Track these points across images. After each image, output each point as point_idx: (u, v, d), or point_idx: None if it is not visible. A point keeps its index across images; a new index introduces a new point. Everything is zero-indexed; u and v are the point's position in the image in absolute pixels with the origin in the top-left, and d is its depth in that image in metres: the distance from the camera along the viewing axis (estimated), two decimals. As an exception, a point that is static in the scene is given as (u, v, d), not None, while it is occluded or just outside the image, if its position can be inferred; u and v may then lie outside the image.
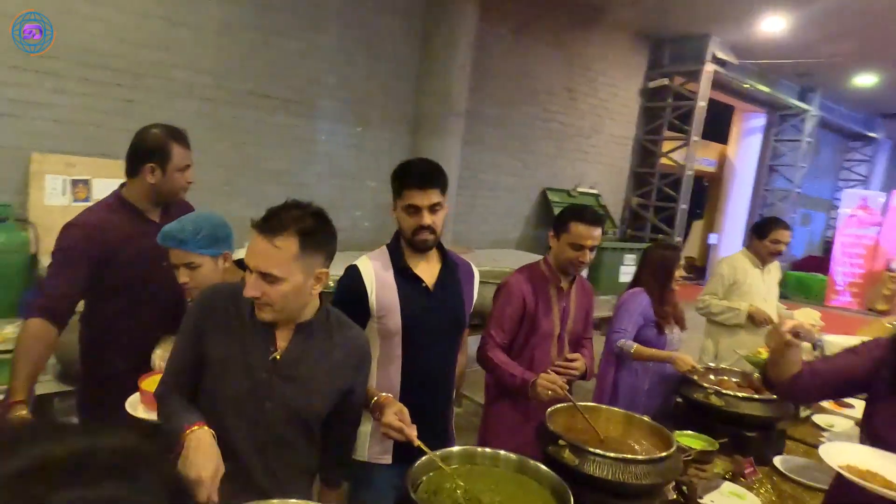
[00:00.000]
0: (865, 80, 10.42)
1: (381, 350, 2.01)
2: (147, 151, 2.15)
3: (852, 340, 2.41)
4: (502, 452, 1.71)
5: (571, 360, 2.46)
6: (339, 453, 1.81)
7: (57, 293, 2.00)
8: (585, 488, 1.69)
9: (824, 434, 2.82)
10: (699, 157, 12.32)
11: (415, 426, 1.65)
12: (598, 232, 2.43)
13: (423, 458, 1.58)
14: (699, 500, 2.03)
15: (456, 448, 1.69)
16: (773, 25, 7.81)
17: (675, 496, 2.02)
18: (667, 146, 9.49)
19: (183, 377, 1.59)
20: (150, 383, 1.81)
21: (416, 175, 1.93)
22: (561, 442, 1.78)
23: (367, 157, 6.03)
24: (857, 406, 3.01)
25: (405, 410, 1.68)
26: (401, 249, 2.03)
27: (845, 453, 1.58)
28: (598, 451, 1.71)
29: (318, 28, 5.47)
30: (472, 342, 2.87)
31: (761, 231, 3.84)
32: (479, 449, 1.73)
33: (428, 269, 2.05)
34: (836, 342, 3.01)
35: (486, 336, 2.50)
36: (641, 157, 9.55)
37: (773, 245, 3.78)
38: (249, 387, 1.54)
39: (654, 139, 9.45)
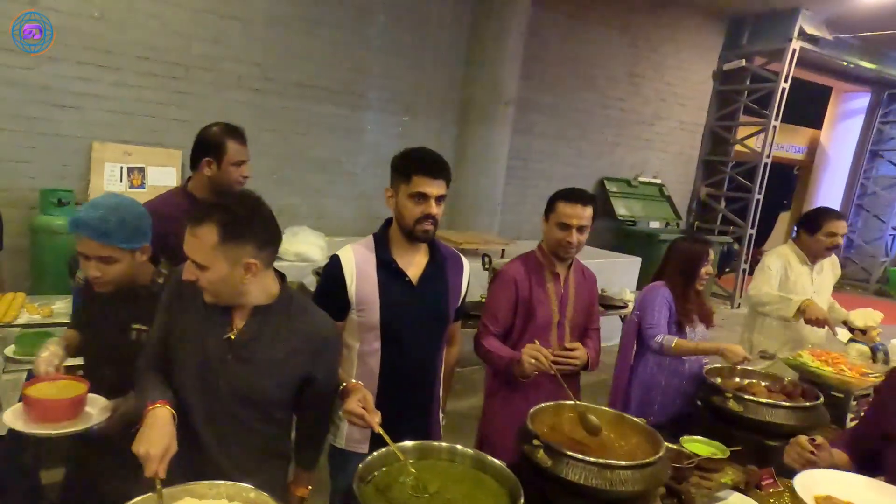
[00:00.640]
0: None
1: (361, 342, 2.00)
2: (205, 146, 2.39)
3: None
4: (459, 447, 1.67)
5: (571, 350, 2.38)
6: (308, 438, 1.84)
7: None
8: (560, 493, 1.63)
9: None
10: (785, 143, 11.55)
11: (378, 413, 1.64)
12: (585, 211, 2.33)
13: (383, 449, 1.57)
14: (699, 511, 1.90)
15: (411, 442, 1.65)
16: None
17: (673, 504, 1.91)
18: (742, 132, 8.95)
19: (159, 353, 1.66)
20: (36, 390, 1.68)
21: (429, 163, 1.91)
22: (535, 441, 1.71)
23: (414, 146, 6.02)
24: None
25: (369, 397, 1.67)
26: (387, 240, 1.99)
27: (825, 482, 1.44)
28: (573, 453, 1.61)
29: (365, 19, 5.52)
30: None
31: (813, 223, 3.42)
32: (436, 443, 1.70)
33: (414, 262, 2.01)
34: None
35: (480, 325, 2.46)
36: (713, 145, 9.06)
37: (829, 238, 3.38)
38: (203, 365, 1.58)
39: (728, 125, 8.94)
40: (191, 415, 1.58)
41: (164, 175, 4.69)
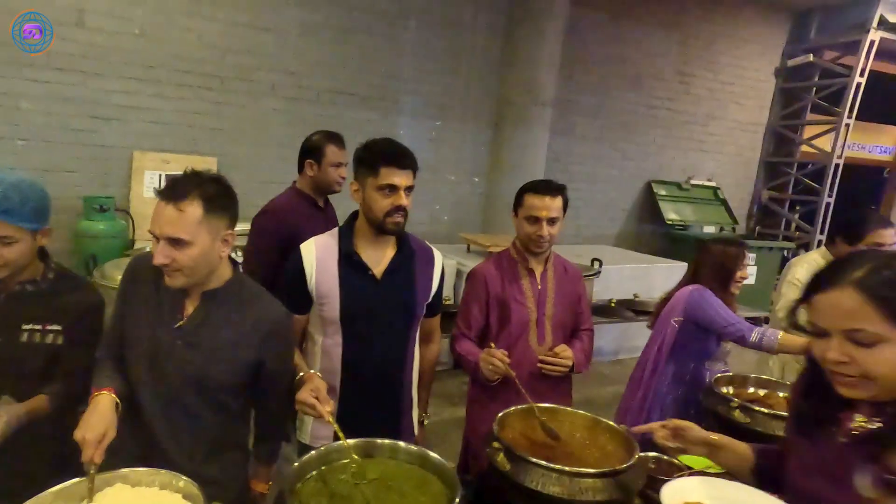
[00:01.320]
0: None
1: (324, 335, 1.97)
2: (308, 150, 2.72)
3: None
4: (402, 444, 1.63)
5: (562, 351, 2.28)
6: (265, 430, 1.84)
7: (249, 269, 2.44)
8: (520, 499, 1.54)
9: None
10: (868, 143, 10.72)
11: (330, 403, 1.64)
12: (555, 202, 2.23)
13: (321, 448, 1.54)
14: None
15: (354, 440, 1.60)
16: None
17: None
18: (809, 131, 8.41)
19: (115, 341, 1.69)
20: None
21: (396, 153, 1.88)
22: (496, 444, 1.65)
23: (447, 150, 6.05)
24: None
25: (322, 387, 1.67)
26: (352, 233, 1.96)
27: (688, 490, 1.35)
28: (532, 458, 1.51)
29: (398, 24, 5.59)
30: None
31: (854, 232, 2.93)
32: (380, 440, 1.67)
33: (379, 256, 1.97)
34: None
35: (454, 328, 2.40)
36: (776, 145, 8.57)
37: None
38: (154, 351, 1.60)
39: (793, 124, 8.42)
40: (143, 403, 1.61)
41: (201, 181, 4.91)
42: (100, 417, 1.45)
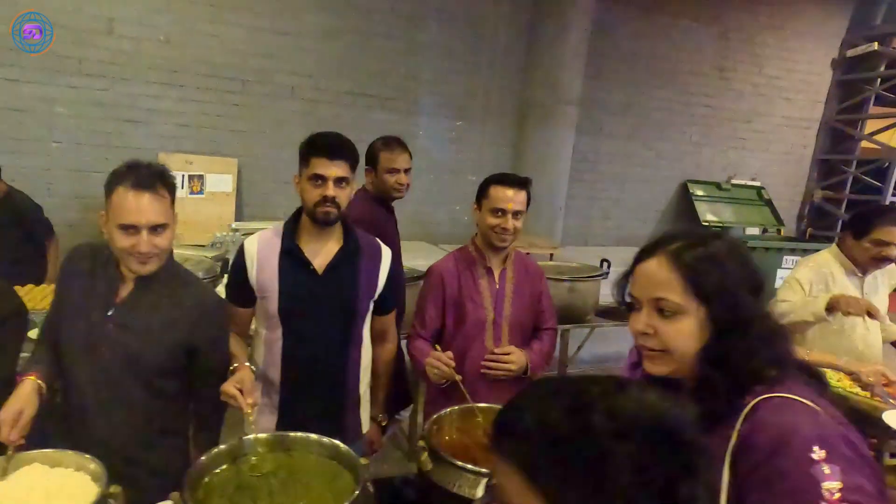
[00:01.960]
0: None
1: (267, 329, 1.99)
2: (367, 157, 2.81)
3: None
4: (315, 437, 1.62)
5: (504, 353, 2.25)
6: (201, 418, 1.88)
7: None
8: (440, 501, 1.52)
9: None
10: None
11: (254, 396, 1.67)
12: (519, 195, 2.20)
13: (245, 438, 1.57)
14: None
15: (265, 434, 1.61)
16: None
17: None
18: (871, 126, 7.85)
19: (51, 330, 1.77)
20: None
21: (326, 144, 1.89)
22: (421, 443, 1.65)
23: (468, 150, 6.04)
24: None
25: (247, 378, 1.69)
26: (295, 227, 1.97)
27: None
28: (454, 460, 1.50)
29: (417, 26, 5.63)
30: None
31: (860, 226, 2.71)
32: (292, 434, 1.67)
33: (322, 251, 1.97)
34: None
35: (410, 328, 2.39)
36: (832, 142, 8.03)
37: (877, 248, 2.65)
38: (88, 334, 1.66)
39: (853, 118, 7.88)
40: (80, 390, 1.67)
41: (221, 182, 5.11)
42: (16, 398, 1.53)
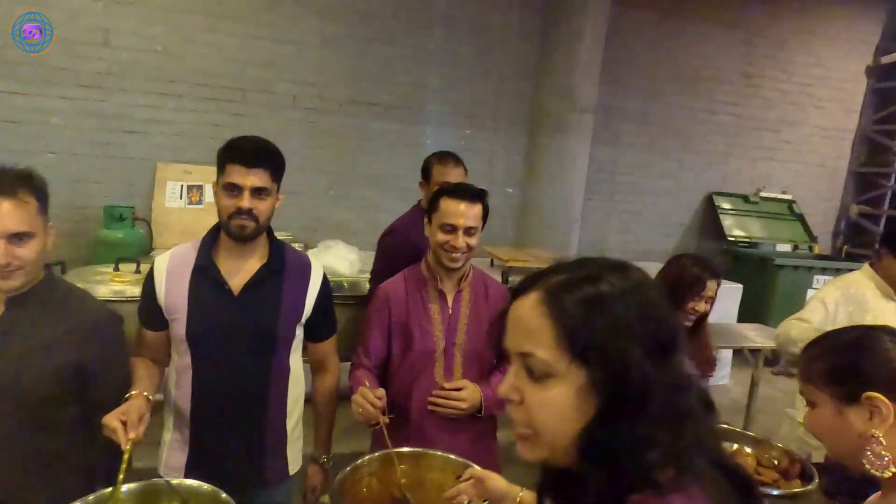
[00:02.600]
0: None
1: (178, 354, 1.80)
2: (422, 172, 2.82)
3: None
4: (176, 482, 1.45)
5: (454, 389, 1.97)
6: (101, 450, 1.64)
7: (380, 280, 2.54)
8: None
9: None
10: None
11: (139, 430, 1.44)
12: (473, 209, 1.95)
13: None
14: None
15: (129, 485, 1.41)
16: None
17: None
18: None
19: None
20: None
21: (243, 150, 1.69)
22: (324, 499, 1.44)
23: (478, 160, 5.80)
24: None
25: (133, 411, 1.47)
26: (214, 242, 1.78)
27: None
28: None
29: (424, 32, 5.47)
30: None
31: None
32: (155, 479, 1.48)
33: (241, 269, 1.76)
34: None
35: (353, 356, 2.10)
36: (868, 153, 7.58)
37: None
38: None
39: (890, 129, 7.43)
40: None
41: (220, 192, 4.97)
42: None
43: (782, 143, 7.07)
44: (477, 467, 1.36)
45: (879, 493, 1.09)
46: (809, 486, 1.73)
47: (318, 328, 1.92)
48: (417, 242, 2.53)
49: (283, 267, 1.81)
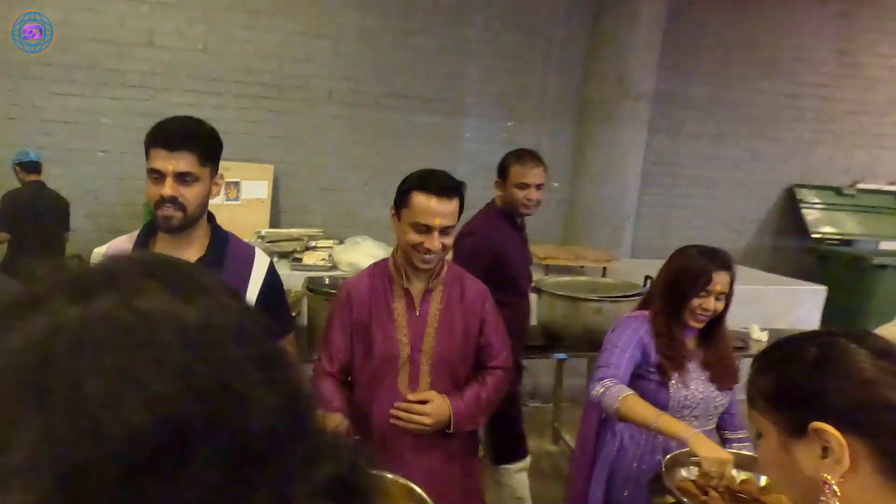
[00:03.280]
0: None
1: None
2: (498, 169, 2.77)
3: None
4: None
5: (419, 401, 1.78)
6: None
7: None
8: None
9: None
10: None
11: None
12: (448, 206, 1.74)
13: None
14: None
15: None
16: None
17: None
18: None
19: None
20: None
21: (165, 133, 1.58)
22: None
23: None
24: None
25: None
26: (151, 233, 1.69)
27: None
28: None
29: (461, 22, 5.27)
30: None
31: None
32: None
33: None
34: None
35: (316, 362, 1.95)
36: None
37: None
38: None
39: None
40: None
41: (257, 188, 5.07)
42: None
43: (890, 127, 6.17)
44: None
45: None
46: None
47: (278, 321, 1.78)
48: (499, 243, 2.59)
49: (223, 258, 1.69)
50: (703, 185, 5.89)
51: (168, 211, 1.56)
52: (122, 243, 1.71)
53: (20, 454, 0.32)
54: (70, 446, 0.33)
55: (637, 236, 5.57)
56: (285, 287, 4.40)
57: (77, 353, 0.34)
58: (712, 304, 1.92)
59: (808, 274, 5.59)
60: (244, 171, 5.07)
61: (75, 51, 4.72)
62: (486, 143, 5.47)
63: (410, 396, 1.77)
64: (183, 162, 1.55)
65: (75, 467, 0.33)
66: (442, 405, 1.77)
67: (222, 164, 5.43)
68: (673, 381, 1.96)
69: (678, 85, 5.62)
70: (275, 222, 5.12)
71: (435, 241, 1.72)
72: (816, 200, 5.93)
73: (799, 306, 4.89)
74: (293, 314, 3.72)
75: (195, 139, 1.59)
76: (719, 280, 1.91)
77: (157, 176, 1.56)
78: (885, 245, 6.01)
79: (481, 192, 5.63)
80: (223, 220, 5.74)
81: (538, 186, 2.68)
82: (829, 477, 0.79)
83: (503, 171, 2.69)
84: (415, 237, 1.74)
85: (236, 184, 5.06)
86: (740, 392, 1.22)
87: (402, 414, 1.76)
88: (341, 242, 4.62)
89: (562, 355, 3.43)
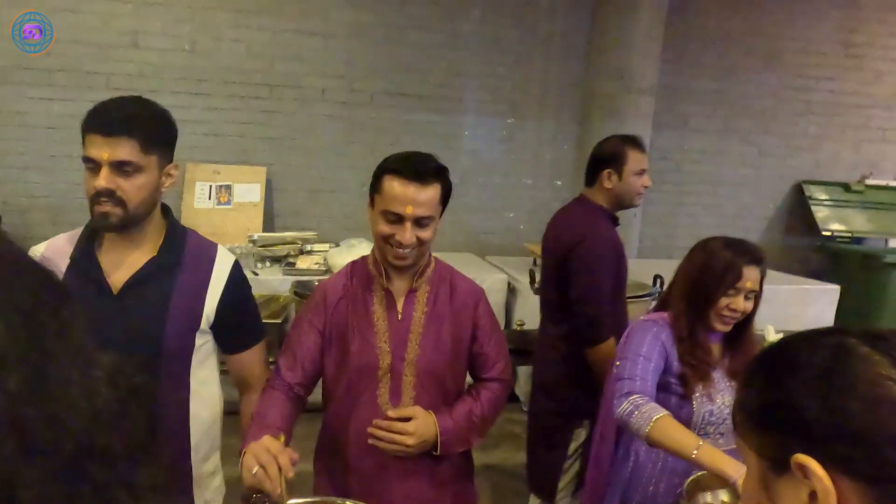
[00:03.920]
0: None
1: None
2: (605, 158, 2.43)
3: None
4: None
5: (401, 419, 1.56)
6: None
7: (596, 311, 2.35)
8: None
9: None
10: None
11: None
12: (425, 192, 1.51)
13: None
14: None
15: None
16: None
17: None
18: None
19: None
20: None
21: (102, 116, 1.36)
22: None
23: (522, 151, 5.37)
24: None
25: None
26: (96, 231, 1.50)
27: None
28: None
29: (458, 16, 5.10)
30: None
31: None
32: None
33: (125, 262, 1.46)
34: None
35: (273, 367, 1.70)
36: None
37: None
38: None
39: None
40: None
41: (249, 192, 4.88)
42: None
43: (896, 121, 6.02)
44: None
45: None
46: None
47: (230, 336, 1.60)
48: (619, 244, 2.38)
49: (180, 259, 1.51)
50: (710, 182, 5.73)
51: (105, 206, 1.37)
52: (61, 242, 1.51)
53: None
54: None
55: (643, 235, 5.41)
56: (275, 292, 4.23)
57: None
58: (742, 304, 1.72)
59: (818, 272, 5.44)
60: (236, 173, 4.89)
61: (56, 53, 4.52)
62: (485, 140, 5.30)
63: (391, 413, 1.55)
64: (121, 149, 1.35)
65: None
66: (427, 423, 1.54)
67: (212, 166, 5.20)
68: (697, 395, 1.75)
69: (682, 78, 5.47)
70: (268, 226, 4.94)
71: (407, 233, 1.49)
72: (825, 197, 5.77)
73: (812, 306, 4.73)
74: (280, 321, 3.55)
75: (135, 122, 1.39)
76: (750, 276, 1.71)
77: (92, 166, 1.37)
78: (894, 242, 5.87)
79: (484, 191, 5.54)
80: (214, 225, 5.49)
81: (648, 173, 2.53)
82: None
83: (617, 160, 2.38)
84: (385, 228, 1.52)
85: (228, 187, 4.87)
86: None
87: (381, 433, 1.53)
88: (337, 246, 4.45)
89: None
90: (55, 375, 0.39)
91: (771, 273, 4.96)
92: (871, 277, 5.12)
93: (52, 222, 4.61)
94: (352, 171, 5.13)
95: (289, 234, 4.63)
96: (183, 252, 1.52)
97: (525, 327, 3.54)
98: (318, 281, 3.65)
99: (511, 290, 4.46)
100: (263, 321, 2.79)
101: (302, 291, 3.32)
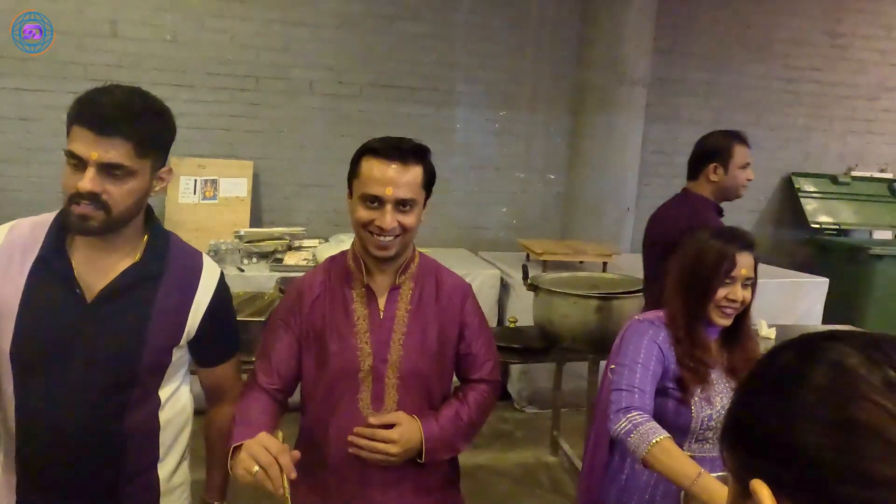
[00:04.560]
0: None
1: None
2: (710, 153, 2.57)
3: None
4: None
5: (384, 425, 1.47)
6: None
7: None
8: None
9: None
10: None
11: None
12: (406, 174, 1.42)
13: None
14: None
15: None
16: None
17: None
18: None
19: None
20: None
21: (95, 109, 1.21)
22: None
23: (515, 144, 5.29)
24: None
25: None
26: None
27: None
28: None
29: (448, 6, 5.00)
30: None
31: None
32: None
33: (103, 267, 1.32)
34: None
35: (251, 372, 1.61)
36: None
37: None
38: None
39: None
40: None
41: (235, 186, 4.72)
42: None
43: (882, 112, 6.07)
44: None
45: None
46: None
47: (208, 350, 1.49)
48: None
49: (162, 268, 1.38)
50: (701, 174, 5.71)
51: (85, 209, 1.22)
52: (25, 230, 1.33)
53: None
54: None
55: (637, 229, 5.37)
56: (260, 290, 4.08)
57: None
58: (740, 293, 1.66)
59: (806, 265, 5.46)
60: (222, 168, 4.73)
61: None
62: (478, 133, 5.21)
63: (373, 419, 1.46)
64: (113, 151, 1.20)
65: None
66: (412, 429, 1.46)
67: (197, 160, 5.01)
68: (695, 399, 1.68)
69: (673, 69, 5.44)
70: (255, 222, 4.79)
71: (387, 217, 1.39)
72: (813, 189, 5.81)
73: (803, 300, 4.74)
74: (263, 318, 3.42)
75: (133, 121, 1.23)
76: (744, 262, 1.65)
77: (76, 162, 1.21)
78: (879, 234, 5.93)
79: (476, 185, 5.46)
80: (200, 221, 5.30)
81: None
82: None
83: (723, 153, 2.54)
84: (364, 213, 1.43)
85: (214, 182, 4.71)
86: None
87: (362, 441, 1.45)
88: (326, 241, 4.33)
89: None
90: None
91: (761, 267, 4.97)
92: (858, 270, 5.15)
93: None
94: (340, 165, 4.92)
95: (276, 230, 4.50)
96: (166, 260, 1.39)
97: (518, 324, 3.46)
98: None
99: (504, 286, 4.38)
100: (248, 319, 2.68)
101: (286, 288, 3.21)
